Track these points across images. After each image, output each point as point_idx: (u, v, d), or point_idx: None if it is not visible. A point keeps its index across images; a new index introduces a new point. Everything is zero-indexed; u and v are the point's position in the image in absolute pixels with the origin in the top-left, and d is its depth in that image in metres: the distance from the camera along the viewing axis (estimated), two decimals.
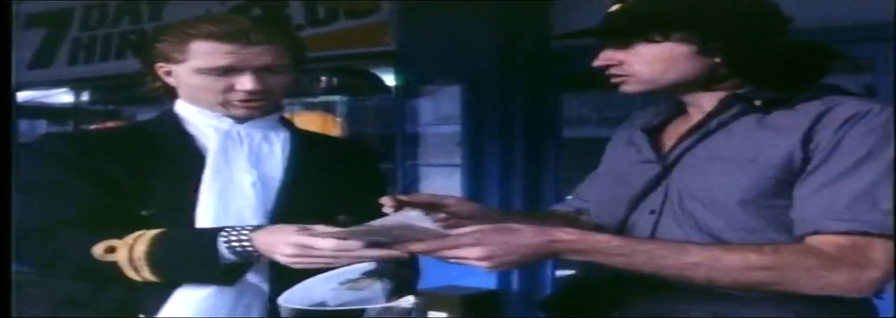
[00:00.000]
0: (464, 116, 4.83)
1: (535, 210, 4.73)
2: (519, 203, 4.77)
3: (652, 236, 1.65)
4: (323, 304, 1.49)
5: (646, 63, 1.64)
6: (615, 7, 1.65)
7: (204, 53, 1.72)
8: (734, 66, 1.62)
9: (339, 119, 6.17)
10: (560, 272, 4.73)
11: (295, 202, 1.78)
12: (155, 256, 1.59)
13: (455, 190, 4.80)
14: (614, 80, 1.69)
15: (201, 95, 1.78)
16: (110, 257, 1.60)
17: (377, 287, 1.52)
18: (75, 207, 1.70)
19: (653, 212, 1.67)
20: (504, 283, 4.79)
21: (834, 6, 3.73)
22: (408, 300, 1.51)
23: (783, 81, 1.62)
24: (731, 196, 1.55)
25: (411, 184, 4.95)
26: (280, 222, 1.71)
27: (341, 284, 1.51)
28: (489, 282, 4.73)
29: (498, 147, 4.78)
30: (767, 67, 1.61)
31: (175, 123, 1.83)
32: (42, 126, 9.36)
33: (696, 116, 1.69)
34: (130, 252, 1.60)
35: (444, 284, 4.47)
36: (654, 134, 1.77)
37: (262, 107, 1.80)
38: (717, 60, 1.61)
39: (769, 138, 1.56)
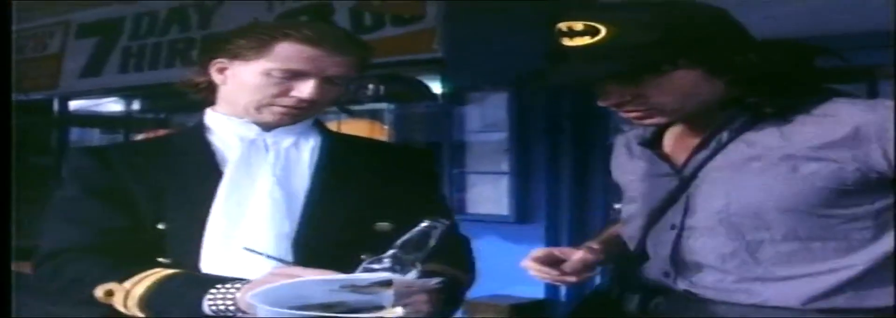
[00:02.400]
0: (511, 123, 4.80)
1: (582, 217, 4.73)
2: (566, 211, 4.73)
3: (674, 251, 1.64)
4: (307, 299, 1.41)
5: (665, 94, 1.58)
6: (582, 41, 1.55)
7: (286, 54, 1.70)
8: (743, 80, 1.58)
9: (385, 127, 6.18)
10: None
11: (322, 211, 1.74)
12: (147, 303, 1.59)
13: (502, 197, 4.77)
14: (632, 115, 1.63)
15: (246, 95, 1.75)
16: (108, 301, 1.60)
17: (389, 293, 1.44)
18: (89, 230, 1.70)
19: (673, 227, 1.64)
20: (552, 293, 4.75)
21: (835, 14, 3.67)
22: (395, 312, 1.44)
23: (785, 87, 1.59)
24: (776, 206, 1.52)
25: (458, 192, 4.93)
26: (304, 231, 1.70)
27: (343, 287, 1.42)
28: (537, 292, 4.70)
29: (545, 154, 4.75)
30: (767, 75, 1.58)
31: (200, 135, 1.81)
32: (94, 134, 9.48)
33: (697, 126, 1.66)
34: (126, 298, 1.59)
35: (491, 293, 4.44)
36: (654, 146, 1.73)
37: (300, 116, 1.77)
38: (726, 78, 1.58)
39: (806, 150, 1.53)
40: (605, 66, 1.55)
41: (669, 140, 1.73)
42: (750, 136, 1.59)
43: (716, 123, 1.62)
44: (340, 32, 1.77)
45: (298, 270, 1.50)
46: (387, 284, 1.43)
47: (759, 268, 1.56)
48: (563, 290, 4.75)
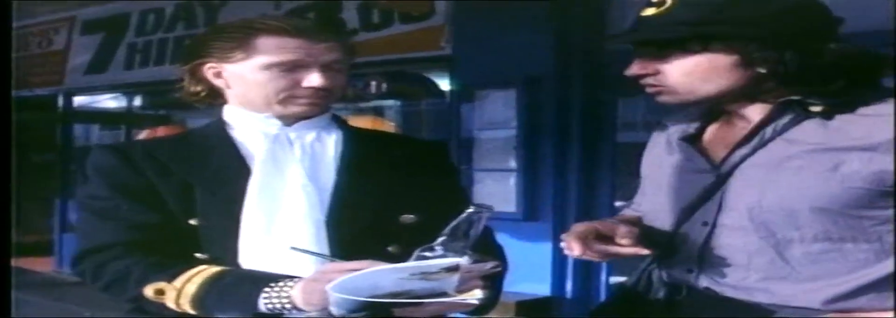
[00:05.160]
0: (519, 121, 4.79)
1: (589, 214, 4.70)
2: (573, 209, 4.72)
3: (703, 248, 1.62)
4: (379, 289, 1.42)
5: (682, 74, 1.57)
6: (650, 11, 1.57)
7: (273, 47, 1.70)
8: (782, 76, 1.55)
9: (391, 124, 6.17)
10: (614, 279, 4.68)
11: (351, 203, 1.74)
12: (201, 301, 1.60)
13: (509, 195, 4.76)
14: (649, 90, 1.63)
15: (260, 92, 1.74)
16: (159, 299, 1.62)
17: (453, 279, 1.44)
18: (122, 227, 1.71)
19: (705, 224, 1.62)
20: (558, 289, 4.74)
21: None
22: (474, 295, 1.45)
23: (835, 88, 1.56)
24: (811, 205, 1.50)
25: (466, 188, 4.92)
26: (336, 223, 1.70)
27: (413, 275, 1.43)
28: (543, 289, 4.69)
29: (553, 152, 4.74)
30: (818, 74, 1.54)
31: (221, 131, 1.81)
32: (95, 130, 9.51)
33: (740, 123, 1.64)
34: (178, 297, 1.61)
35: None
36: (694, 142, 1.71)
37: (323, 105, 1.77)
38: (762, 70, 1.55)
39: (848, 149, 1.50)
40: (631, 35, 1.58)
41: (710, 136, 1.71)
42: (792, 134, 1.56)
43: (759, 120, 1.60)
44: (311, 22, 1.78)
45: (346, 264, 1.51)
46: (454, 269, 1.44)
47: (786, 267, 1.54)
48: (569, 286, 4.74)
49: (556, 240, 4.79)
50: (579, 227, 1.66)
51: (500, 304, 4.84)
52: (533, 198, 4.74)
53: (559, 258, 4.73)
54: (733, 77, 1.56)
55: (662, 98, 1.62)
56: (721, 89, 1.57)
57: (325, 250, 1.67)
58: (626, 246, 1.60)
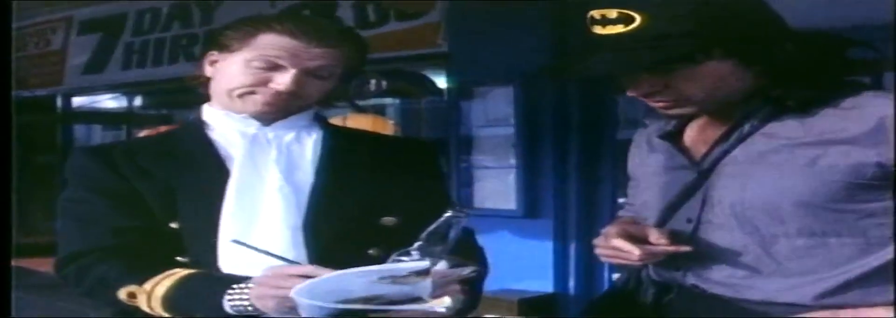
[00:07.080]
0: (517, 118, 4.78)
1: (590, 211, 4.72)
2: (574, 206, 4.72)
3: (690, 244, 1.60)
4: (349, 293, 1.40)
5: (695, 85, 1.54)
6: (614, 29, 1.51)
7: (265, 44, 1.69)
8: (772, 72, 1.56)
9: (390, 122, 6.17)
10: (617, 275, 4.67)
11: (329, 205, 1.72)
12: (170, 302, 1.59)
13: (509, 192, 4.76)
14: (659, 105, 1.60)
15: (227, 84, 1.74)
16: (132, 302, 1.61)
17: (426, 283, 1.42)
18: (103, 230, 1.69)
19: (690, 221, 1.62)
20: (561, 286, 4.73)
21: (836, 8, 3.64)
22: (443, 303, 1.43)
23: (815, 80, 1.56)
24: (792, 200, 1.50)
25: (465, 186, 4.92)
26: (313, 226, 1.69)
27: (382, 279, 1.41)
28: (544, 286, 4.69)
29: (552, 149, 4.73)
30: (800, 67, 1.55)
31: (199, 131, 1.80)
32: (97, 130, 9.50)
33: (719, 119, 1.63)
34: (149, 300, 1.60)
35: (500, 287, 4.43)
36: (674, 140, 1.71)
37: (281, 107, 1.75)
38: (757, 69, 1.55)
39: (826, 142, 1.50)
40: (640, 56, 1.51)
41: (690, 133, 1.70)
42: (771, 128, 1.56)
43: (738, 116, 1.59)
44: (329, 26, 1.76)
45: (288, 269, 1.49)
46: (424, 273, 1.41)
47: (773, 263, 1.54)
48: (571, 283, 4.74)
49: (558, 237, 4.81)
50: (613, 231, 1.64)
51: (502, 302, 4.86)
52: (533, 195, 4.73)
53: (561, 256, 4.73)
54: (737, 79, 1.55)
55: (678, 111, 1.60)
56: (731, 93, 1.57)
57: (303, 253, 1.66)
58: (666, 245, 1.58)
